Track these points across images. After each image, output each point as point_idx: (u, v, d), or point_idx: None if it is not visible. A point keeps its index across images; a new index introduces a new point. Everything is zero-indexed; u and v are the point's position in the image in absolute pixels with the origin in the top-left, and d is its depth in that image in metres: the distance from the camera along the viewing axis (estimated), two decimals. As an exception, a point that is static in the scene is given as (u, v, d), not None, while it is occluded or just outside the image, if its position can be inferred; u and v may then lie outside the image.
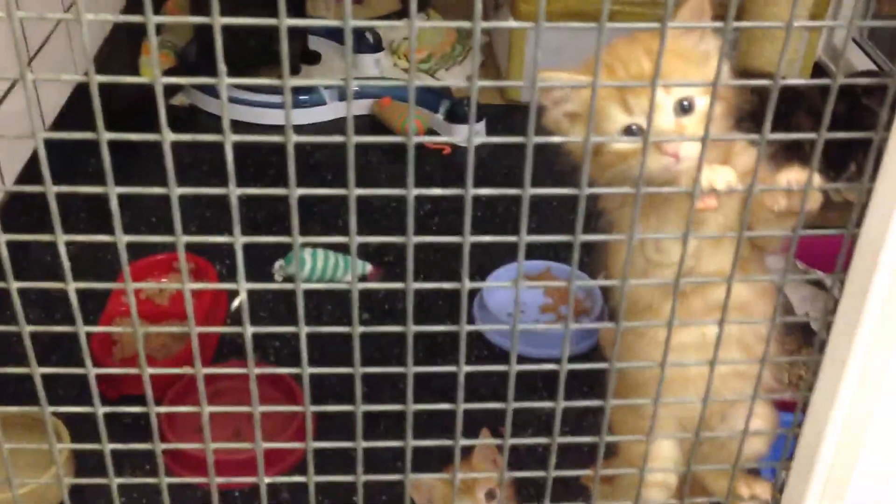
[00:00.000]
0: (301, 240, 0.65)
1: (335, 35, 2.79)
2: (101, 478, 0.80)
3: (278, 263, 1.91)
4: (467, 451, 1.34)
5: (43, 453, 1.46)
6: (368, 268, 1.94)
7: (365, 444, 0.76)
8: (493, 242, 0.68)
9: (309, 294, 1.64)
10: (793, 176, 0.82)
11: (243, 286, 0.65)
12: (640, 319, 0.96)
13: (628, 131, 0.87)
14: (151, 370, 0.72)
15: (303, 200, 0.63)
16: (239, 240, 0.65)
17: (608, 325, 0.75)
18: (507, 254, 1.91)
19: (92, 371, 0.73)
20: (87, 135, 0.60)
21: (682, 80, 0.85)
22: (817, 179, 0.70)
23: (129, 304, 0.69)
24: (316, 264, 1.89)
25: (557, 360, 0.73)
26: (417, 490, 1.19)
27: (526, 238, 0.66)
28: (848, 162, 1.83)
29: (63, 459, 1.41)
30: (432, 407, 0.75)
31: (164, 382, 1.49)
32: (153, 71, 0.56)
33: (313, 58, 2.72)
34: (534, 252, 1.93)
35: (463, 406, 0.74)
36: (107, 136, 0.60)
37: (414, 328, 0.71)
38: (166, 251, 1.87)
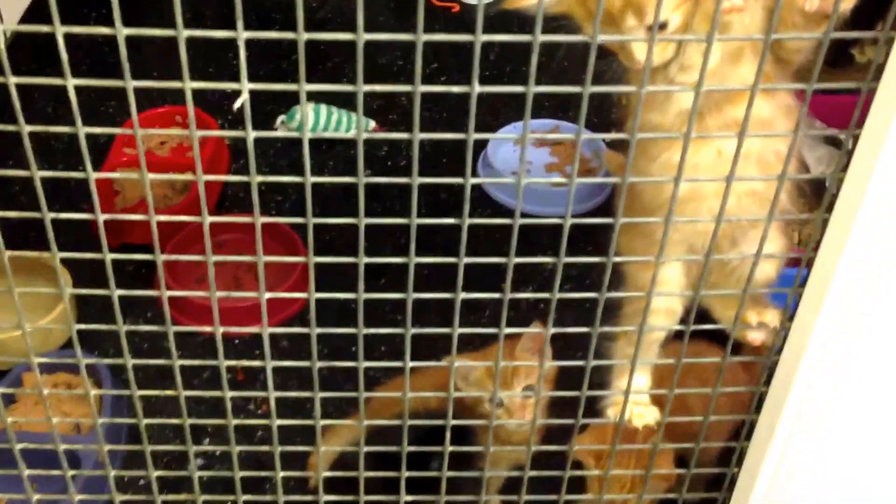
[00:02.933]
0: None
1: None
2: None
3: (280, 119, 1.88)
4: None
5: (44, 297, 1.48)
6: (372, 124, 1.92)
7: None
8: (501, 94, 0.68)
9: (312, 149, 1.62)
10: None
11: (245, 86, 0.63)
12: (660, 150, 0.94)
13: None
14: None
15: (307, 56, 0.60)
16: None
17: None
18: (514, 113, 1.88)
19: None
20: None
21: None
22: None
23: (138, 151, 0.68)
24: (319, 119, 1.87)
25: (562, 217, 0.73)
26: (459, 372, 1.18)
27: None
28: (875, 20, 1.77)
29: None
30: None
31: (165, 233, 1.49)
32: None
33: None
34: (542, 111, 1.91)
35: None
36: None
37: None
38: (166, 105, 1.85)
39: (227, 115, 1.93)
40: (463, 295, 0.77)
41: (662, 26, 0.86)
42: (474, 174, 1.79)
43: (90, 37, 1.91)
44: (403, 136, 0.66)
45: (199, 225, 0.71)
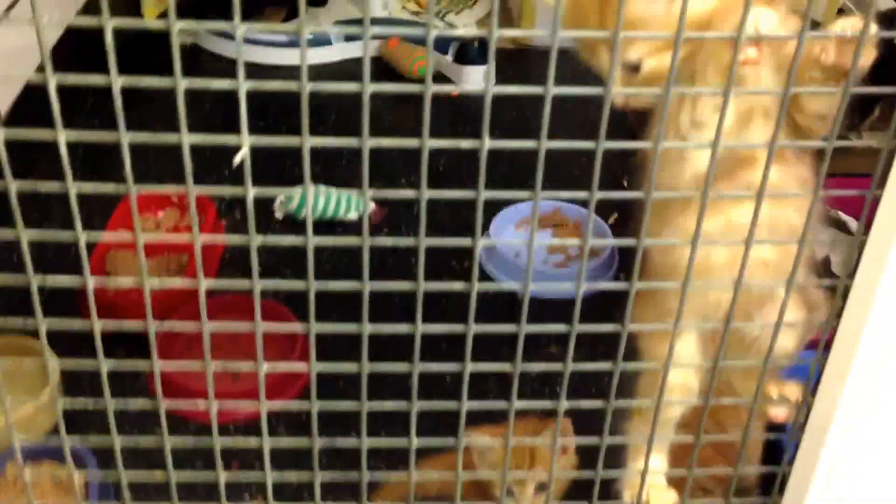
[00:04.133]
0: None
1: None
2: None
3: (279, 200, 1.86)
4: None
5: (29, 384, 1.44)
6: (371, 206, 1.90)
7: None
8: (502, 176, 0.67)
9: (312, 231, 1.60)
10: (849, 22, 0.76)
11: (246, 140, 0.61)
12: (672, 215, 0.90)
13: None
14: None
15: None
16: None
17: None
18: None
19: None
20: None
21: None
22: (874, 28, 0.65)
23: (139, 256, 0.65)
24: (317, 202, 1.85)
25: (568, 302, 0.70)
26: (478, 451, 1.14)
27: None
28: (873, 106, 1.78)
29: (54, 392, 1.38)
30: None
31: (157, 317, 1.46)
32: (156, 10, 0.52)
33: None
34: (544, 190, 1.88)
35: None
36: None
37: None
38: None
39: (223, 198, 1.91)
40: (471, 367, 0.74)
41: (635, 68, 0.84)
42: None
43: (88, 131, 1.90)
44: (409, 241, 0.66)
45: (193, 309, 0.69)
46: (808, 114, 0.85)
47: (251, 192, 0.64)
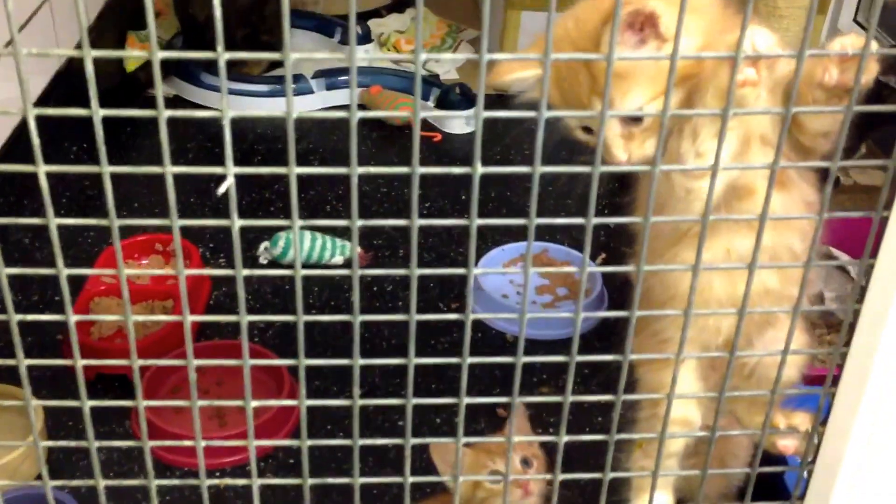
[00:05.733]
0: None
1: (321, 28, 2.76)
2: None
3: (263, 245, 1.84)
4: (500, 424, 1.29)
5: (10, 434, 1.40)
6: (357, 250, 1.88)
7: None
8: (499, 225, 0.64)
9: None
10: (848, 40, 0.74)
11: (231, 170, 0.58)
12: (665, 247, 0.89)
13: (587, 130, 0.89)
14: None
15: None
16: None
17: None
18: (500, 236, 1.84)
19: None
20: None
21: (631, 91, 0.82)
22: (875, 45, 0.63)
23: (122, 292, 0.63)
24: (302, 245, 1.83)
25: (557, 342, 0.68)
26: (441, 456, 1.10)
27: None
28: (859, 143, 1.78)
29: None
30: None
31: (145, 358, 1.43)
32: (137, 63, 0.51)
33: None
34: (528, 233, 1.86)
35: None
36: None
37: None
38: (146, 232, 1.80)
39: (208, 244, 1.88)
40: (467, 400, 0.71)
41: (637, 120, 0.83)
42: (465, 303, 1.72)
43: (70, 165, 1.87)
44: (401, 272, 0.64)
45: (178, 356, 0.67)
46: (810, 133, 0.83)
47: (237, 224, 0.61)
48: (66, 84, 2.15)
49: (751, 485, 0.77)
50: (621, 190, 0.96)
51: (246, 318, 0.65)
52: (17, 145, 1.87)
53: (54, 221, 0.59)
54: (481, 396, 0.71)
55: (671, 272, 0.89)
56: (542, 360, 0.71)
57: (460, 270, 0.64)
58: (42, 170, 0.57)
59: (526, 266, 0.66)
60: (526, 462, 1.10)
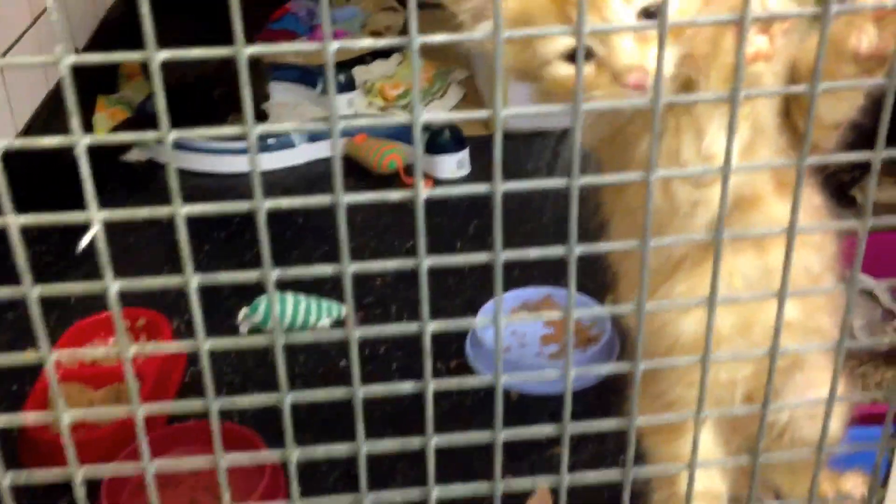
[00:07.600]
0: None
1: (303, 79, 2.65)
2: None
3: (243, 312, 1.70)
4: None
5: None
6: (344, 310, 1.74)
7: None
8: (487, 267, 0.51)
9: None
10: None
11: (96, 216, 0.45)
12: (658, 283, 0.74)
13: (572, 57, 0.67)
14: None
15: (273, 245, 0.48)
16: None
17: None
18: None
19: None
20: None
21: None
22: None
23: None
24: (286, 310, 1.68)
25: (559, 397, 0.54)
26: None
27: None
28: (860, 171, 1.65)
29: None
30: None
31: (108, 451, 1.29)
32: (104, 129, 0.38)
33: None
34: (533, 278, 1.74)
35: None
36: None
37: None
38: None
39: (183, 315, 1.74)
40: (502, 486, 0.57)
41: (652, 15, 0.67)
42: (464, 353, 1.58)
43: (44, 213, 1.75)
44: (412, 327, 0.53)
45: (148, 441, 0.53)
46: (823, 124, 0.68)
47: (194, 281, 0.48)
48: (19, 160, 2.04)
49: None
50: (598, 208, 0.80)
51: (216, 403, 0.51)
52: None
53: (35, 290, 0.46)
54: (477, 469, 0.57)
55: (666, 315, 0.73)
56: (526, 434, 0.58)
57: (468, 320, 0.55)
58: (15, 224, 0.44)
59: (496, 315, 0.53)
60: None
